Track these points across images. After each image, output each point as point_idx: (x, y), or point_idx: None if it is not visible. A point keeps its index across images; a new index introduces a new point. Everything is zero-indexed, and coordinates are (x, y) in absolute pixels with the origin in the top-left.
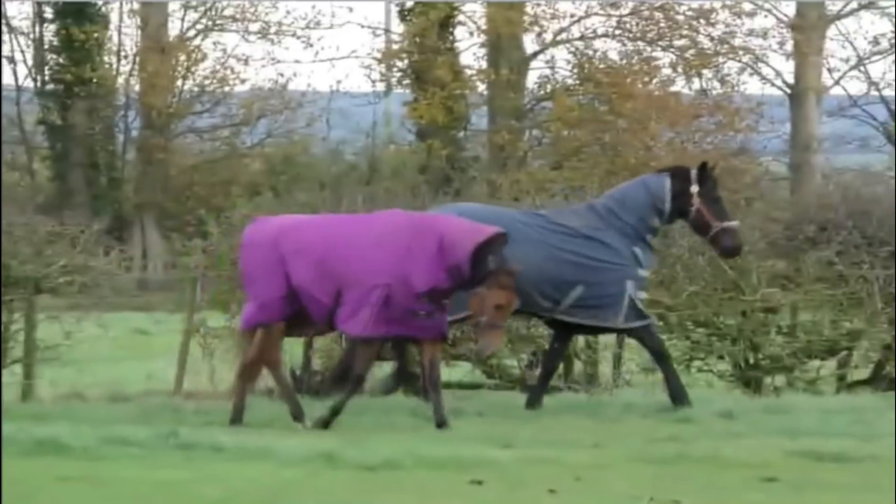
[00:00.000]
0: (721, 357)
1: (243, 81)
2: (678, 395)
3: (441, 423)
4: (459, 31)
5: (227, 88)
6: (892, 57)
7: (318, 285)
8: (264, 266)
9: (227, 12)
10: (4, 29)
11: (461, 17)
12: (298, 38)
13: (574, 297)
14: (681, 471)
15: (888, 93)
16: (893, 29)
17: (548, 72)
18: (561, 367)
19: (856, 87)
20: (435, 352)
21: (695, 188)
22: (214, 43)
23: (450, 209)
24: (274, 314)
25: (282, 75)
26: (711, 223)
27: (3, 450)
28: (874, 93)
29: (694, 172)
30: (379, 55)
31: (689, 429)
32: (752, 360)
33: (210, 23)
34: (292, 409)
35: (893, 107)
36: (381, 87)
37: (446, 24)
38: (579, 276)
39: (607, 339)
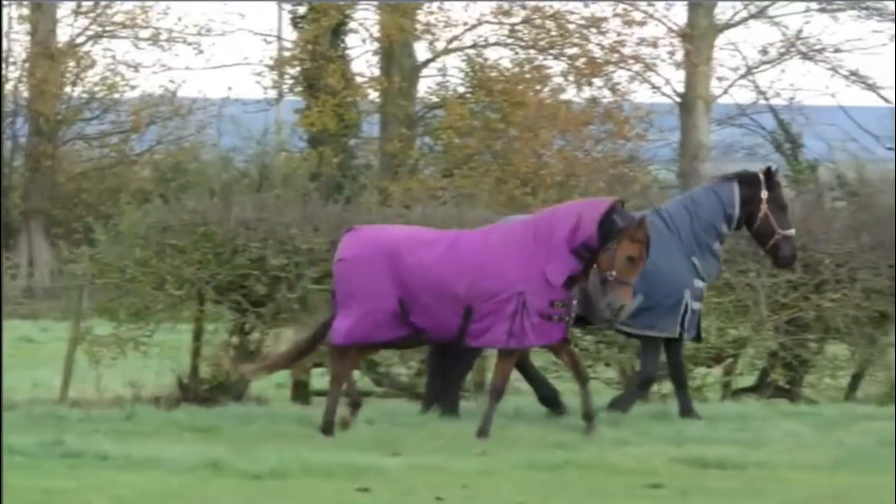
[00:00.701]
0: (608, 364)
1: (133, 88)
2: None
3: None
4: (351, 39)
5: (116, 95)
6: (780, 66)
7: (443, 303)
8: (372, 281)
9: (118, 18)
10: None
11: (353, 25)
12: (189, 44)
13: (633, 306)
14: (568, 477)
15: (776, 102)
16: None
17: (440, 79)
18: None
19: (744, 95)
20: (512, 361)
21: (764, 194)
22: (104, 49)
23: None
24: (376, 331)
25: (172, 82)
26: (776, 230)
27: None
28: (762, 101)
29: (762, 178)
30: (270, 62)
31: (577, 436)
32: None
33: (100, 29)
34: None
35: (781, 116)
36: (272, 94)
37: (338, 31)
38: (638, 285)
39: None
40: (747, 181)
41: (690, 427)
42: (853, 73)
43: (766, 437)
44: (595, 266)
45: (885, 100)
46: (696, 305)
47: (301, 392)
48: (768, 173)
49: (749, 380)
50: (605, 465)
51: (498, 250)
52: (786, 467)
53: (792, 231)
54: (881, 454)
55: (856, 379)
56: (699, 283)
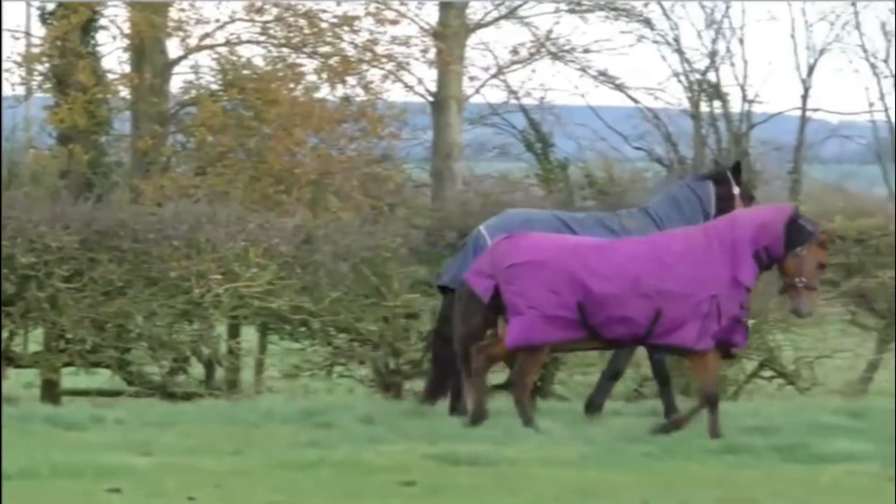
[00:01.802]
0: (362, 362)
1: None
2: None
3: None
4: (102, 35)
5: None
6: (531, 66)
7: (631, 305)
8: (550, 285)
9: None
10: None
11: (104, 21)
12: None
13: None
14: (321, 476)
15: (527, 101)
16: None
17: (192, 77)
18: (203, 372)
19: (496, 95)
20: (710, 363)
21: (736, 190)
22: None
23: (505, 218)
24: (549, 333)
25: None
26: None
27: None
28: (513, 101)
29: (730, 175)
30: (19, 59)
31: (330, 434)
32: (393, 366)
33: None
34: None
35: (532, 115)
36: (20, 90)
37: (88, 27)
38: None
39: (250, 345)
40: (720, 179)
41: (443, 424)
42: (602, 74)
43: (517, 433)
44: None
45: (633, 100)
46: None
47: (50, 392)
48: (736, 170)
49: (501, 377)
50: (359, 463)
51: (686, 255)
52: (536, 463)
53: None
54: (629, 450)
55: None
56: None
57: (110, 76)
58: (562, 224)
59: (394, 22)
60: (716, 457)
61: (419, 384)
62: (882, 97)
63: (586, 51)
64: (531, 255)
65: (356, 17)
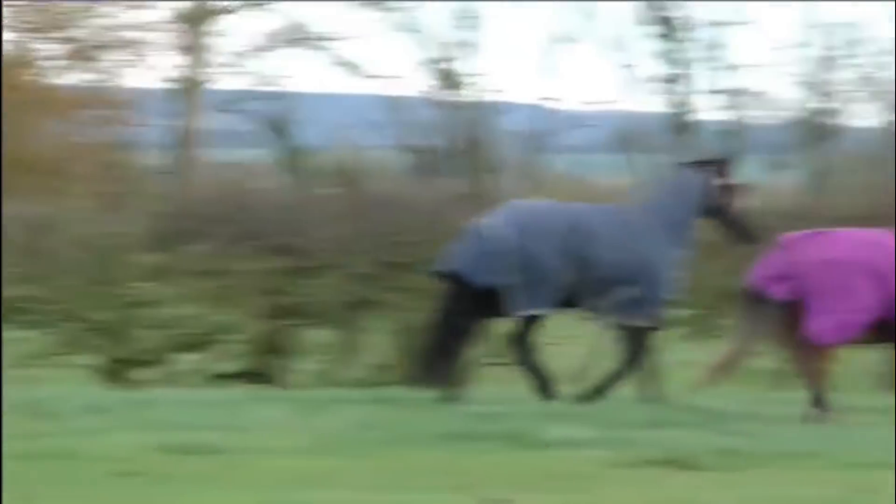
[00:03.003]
0: (92, 350)
1: None
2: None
3: None
4: None
5: None
6: (277, 53)
7: None
8: (857, 282)
9: None
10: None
11: None
12: None
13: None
14: (45, 466)
15: (273, 88)
16: None
17: None
18: None
19: (241, 82)
20: None
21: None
22: None
23: (507, 208)
24: (855, 332)
25: None
26: None
27: None
28: (259, 88)
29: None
30: None
31: (54, 424)
32: (123, 354)
33: None
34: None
35: (278, 103)
36: None
37: None
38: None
39: None
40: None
41: (173, 413)
42: (344, 61)
43: (248, 421)
44: None
45: (376, 87)
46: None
47: None
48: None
49: (232, 365)
50: (82, 453)
51: None
52: (267, 452)
53: None
54: (359, 438)
55: (337, 363)
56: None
57: None
58: (569, 214)
59: (138, 6)
60: (445, 444)
61: (150, 373)
62: (623, 86)
63: (329, 38)
64: (836, 252)
65: (97, 2)
